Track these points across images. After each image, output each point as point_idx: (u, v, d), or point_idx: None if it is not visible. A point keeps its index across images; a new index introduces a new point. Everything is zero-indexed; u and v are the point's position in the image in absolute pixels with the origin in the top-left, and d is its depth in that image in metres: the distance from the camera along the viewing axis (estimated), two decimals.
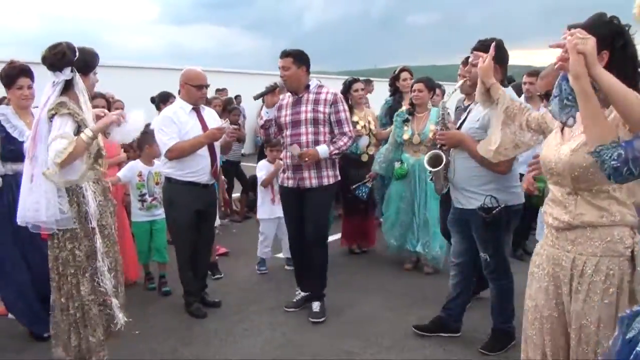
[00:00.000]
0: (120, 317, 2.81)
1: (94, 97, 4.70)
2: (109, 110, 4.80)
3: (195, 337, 3.65)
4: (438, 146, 3.31)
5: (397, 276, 4.84)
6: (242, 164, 7.32)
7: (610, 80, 1.57)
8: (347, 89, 5.18)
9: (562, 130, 1.95)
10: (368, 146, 5.14)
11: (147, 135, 4.23)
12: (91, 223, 2.75)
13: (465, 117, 3.31)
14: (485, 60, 2.48)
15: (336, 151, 3.85)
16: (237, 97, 13.16)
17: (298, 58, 3.79)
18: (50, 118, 2.67)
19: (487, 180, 3.12)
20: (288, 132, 3.87)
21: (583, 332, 1.86)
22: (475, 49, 2.90)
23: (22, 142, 3.28)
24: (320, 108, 3.81)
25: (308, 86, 3.88)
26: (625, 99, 1.56)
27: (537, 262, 2.04)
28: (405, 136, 4.66)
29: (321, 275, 4.00)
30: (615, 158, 1.44)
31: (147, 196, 4.43)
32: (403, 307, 4.10)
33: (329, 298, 4.05)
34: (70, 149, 2.59)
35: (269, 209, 4.93)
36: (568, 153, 1.86)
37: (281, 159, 4.35)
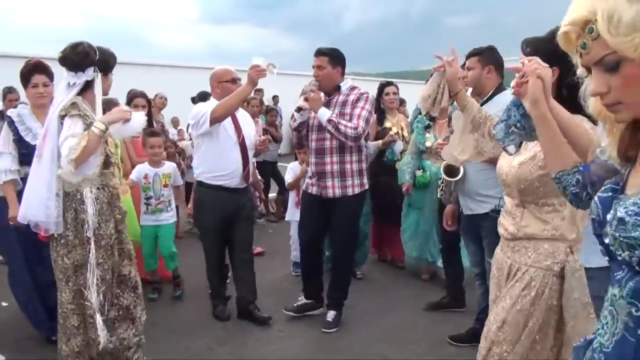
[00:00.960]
0: (102, 336, 2.61)
1: (134, 96, 4.78)
2: (150, 110, 4.80)
3: (230, 336, 3.62)
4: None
5: (434, 283, 4.71)
6: (278, 164, 7.29)
7: (561, 112, 1.51)
8: (379, 92, 4.94)
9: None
10: (402, 153, 4.89)
11: (150, 135, 4.21)
12: (87, 232, 2.60)
13: None
14: (452, 65, 2.35)
15: (334, 122, 3.44)
16: (275, 97, 13.24)
17: (334, 57, 3.62)
18: (61, 118, 2.59)
19: (497, 184, 2.97)
20: (313, 137, 3.69)
21: (489, 329, 1.95)
22: (467, 55, 2.97)
23: (34, 146, 3.10)
24: (347, 110, 3.57)
25: (339, 87, 3.67)
26: (575, 132, 1.50)
27: (492, 266, 2.12)
28: (428, 143, 4.40)
29: (343, 286, 3.87)
30: (574, 184, 1.37)
31: (152, 199, 4.28)
32: (439, 314, 4.01)
33: (366, 302, 4.03)
34: (84, 143, 2.50)
35: (296, 212, 4.73)
36: (516, 165, 1.92)
37: (302, 162, 4.24)
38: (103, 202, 2.68)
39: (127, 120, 2.78)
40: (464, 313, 3.92)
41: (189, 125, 4.19)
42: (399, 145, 4.86)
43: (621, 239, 0.95)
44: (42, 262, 3.17)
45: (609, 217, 1.00)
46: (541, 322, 1.86)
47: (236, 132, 3.72)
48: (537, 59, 1.54)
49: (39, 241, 2.78)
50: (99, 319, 2.61)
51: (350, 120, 3.50)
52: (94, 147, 2.57)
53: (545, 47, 1.66)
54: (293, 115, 3.71)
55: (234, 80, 3.72)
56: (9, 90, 5.60)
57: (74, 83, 2.62)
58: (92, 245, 2.60)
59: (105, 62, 2.71)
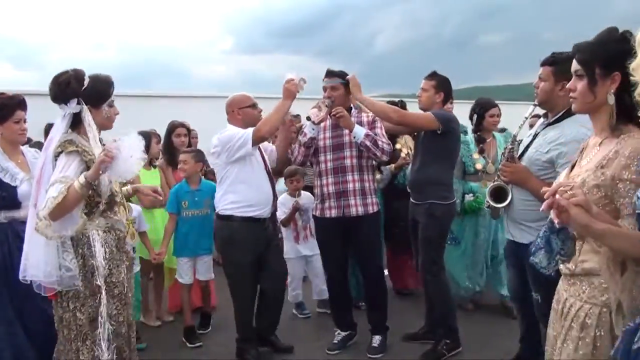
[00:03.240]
0: None
1: (175, 126, 4.62)
2: (189, 139, 4.69)
3: None
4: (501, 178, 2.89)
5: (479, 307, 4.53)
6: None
7: (611, 232, 1.48)
8: (482, 112, 4.54)
9: (572, 167, 1.83)
10: None
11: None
12: (97, 280, 2.34)
13: (530, 143, 2.81)
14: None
15: (372, 136, 3.47)
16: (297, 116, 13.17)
17: (344, 78, 3.58)
18: (56, 157, 2.33)
19: (545, 216, 2.52)
20: (328, 157, 3.59)
21: None
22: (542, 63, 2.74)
23: (15, 187, 2.91)
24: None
25: (350, 109, 3.65)
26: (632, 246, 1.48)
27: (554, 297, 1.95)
28: (479, 165, 4.19)
29: (383, 307, 3.76)
30: None
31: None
32: (490, 337, 3.89)
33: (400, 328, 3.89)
34: (59, 199, 2.19)
35: (294, 248, 4.42)
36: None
37: (294, 192, 4.23)
38: (112, 246, 2.43)
39: (111, 158, 2.28)
40: (512, 336, 3.50)
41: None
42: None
43: None
44: (38, 308, 2.82)
45: None
46: None
47: (262, 157, 3.57)
48: (562, 184, 1.53)
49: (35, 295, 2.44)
50: None
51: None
52: (71, 204, 2.25)
53: (603, 52, 1.60)
54: (302, 129, 3.64)
55: (254, 106, 3.60)
56: (51, 126, 5.33)
57: (63, 116, 2.40)
58: (104, 295, 2.35)
59: (96, 91, 2.43)
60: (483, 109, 4.44)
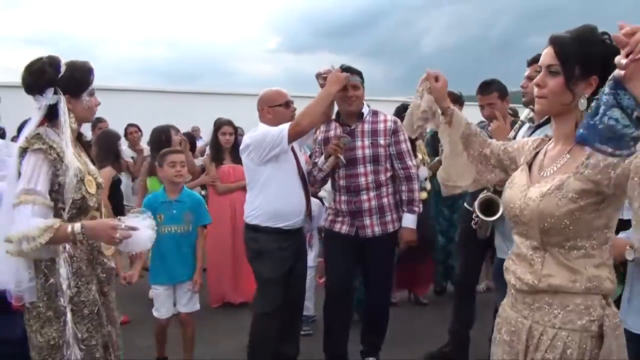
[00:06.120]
0: None
1: (221, 124, 4.57)
2: (236, 137, 4.59)
3: None
4: (492, 189, 2.76)
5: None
6: None
7: None
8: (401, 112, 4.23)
9: (529, 168, 1.63)
10: (426, 179, 4.35)
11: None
12: (61, 300, 1.98)
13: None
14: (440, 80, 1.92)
15: (417, 204, 3.25)
16: None
17: (362, 79, 3.20)
18: (21, 154, 1.98)
19: None
20: (341, 173, 3.21)
21: None
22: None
23: None
24: (381, 141, 3.17)
25: (362, 115, 3.23)
26: None
27: (498, 327, 1.66)
28: None
29: (382, 330, 3.43)
30: None
31: None
32: None
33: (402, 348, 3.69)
34: (43, 240, 1.84)
35: None
36: (537, 198, 1.50)
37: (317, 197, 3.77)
38: (82, 260, 2.07)
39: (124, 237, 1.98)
40: None
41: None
42: (423, 172, 4.32)
43: None
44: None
45: None
46: None
47: (296, 161, 3.20)
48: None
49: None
50: None
51: (400, 159, 3.23)
52: (57, 244, 1.96)
53: (586, 51, 1.42)
54: (317, 165, 3.24)
55: (287, 104, 3.19)
56: (99, 120, 5.76)
57: (38, 108, 2.05)
58: (69, 318, 1.98)
59: (74, 80, 2.08)
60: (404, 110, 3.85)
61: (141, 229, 2.02)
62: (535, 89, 1.54)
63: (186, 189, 3.53)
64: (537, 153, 1.65)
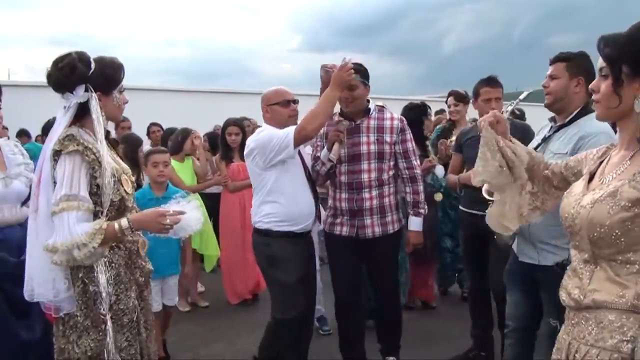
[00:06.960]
0: None
1: (227, 124, 4.74)
2: (244, 135, 4.65)
3: None
4: None
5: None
6: None
7: None
8: (421, 114, 4.33)
9: (591, 176, 1.53)
10: (443, 177, 4.20)
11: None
12: (101, 309, 1.89)
13: (545, 138, 2.51)
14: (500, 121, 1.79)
15: (423, 206, 3.23)
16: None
17: (366, 75, 3.12)
18: (55, 156, 1.90)
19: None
20: (343, 169, 3.11)
21: None
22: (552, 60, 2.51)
23: None
24: (387, 138, 3.09)
25: (368, 110, 3.13)
26: None
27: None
28: None
29: (398, 328, 3.38)
30: None
31: None
32: None
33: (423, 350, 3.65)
34: (96, 243, 1.80)
35: None
36: (588, 205, 1.39)
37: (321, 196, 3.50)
38: (120, 266, 1.99)
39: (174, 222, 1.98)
40: None
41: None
42: (439, 170, 4.26)
43: None
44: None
45: None
46: None
47: (301, 162, 3.12)
48: None
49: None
50: None
51: (405, 158, 3.16)
52: (106, 246, 1.91)
53: (635, 49, 1.34)
54: (320, 159, 3.15)
55: (287, 103, 3.05)
56: (123, 119, 5.69)
57: (66, 107, 1.97)
58: (109, 326, 1.90)
59: (105, 76, 1.99)
60: (424, 111, 4.43)
61: (188, 211, 2.01)
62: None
63: (171, 185, 3.69)
64: (601, 162, 1.56)
